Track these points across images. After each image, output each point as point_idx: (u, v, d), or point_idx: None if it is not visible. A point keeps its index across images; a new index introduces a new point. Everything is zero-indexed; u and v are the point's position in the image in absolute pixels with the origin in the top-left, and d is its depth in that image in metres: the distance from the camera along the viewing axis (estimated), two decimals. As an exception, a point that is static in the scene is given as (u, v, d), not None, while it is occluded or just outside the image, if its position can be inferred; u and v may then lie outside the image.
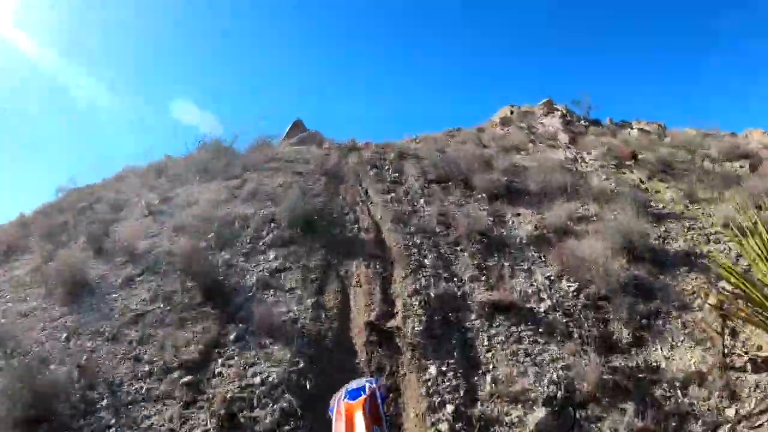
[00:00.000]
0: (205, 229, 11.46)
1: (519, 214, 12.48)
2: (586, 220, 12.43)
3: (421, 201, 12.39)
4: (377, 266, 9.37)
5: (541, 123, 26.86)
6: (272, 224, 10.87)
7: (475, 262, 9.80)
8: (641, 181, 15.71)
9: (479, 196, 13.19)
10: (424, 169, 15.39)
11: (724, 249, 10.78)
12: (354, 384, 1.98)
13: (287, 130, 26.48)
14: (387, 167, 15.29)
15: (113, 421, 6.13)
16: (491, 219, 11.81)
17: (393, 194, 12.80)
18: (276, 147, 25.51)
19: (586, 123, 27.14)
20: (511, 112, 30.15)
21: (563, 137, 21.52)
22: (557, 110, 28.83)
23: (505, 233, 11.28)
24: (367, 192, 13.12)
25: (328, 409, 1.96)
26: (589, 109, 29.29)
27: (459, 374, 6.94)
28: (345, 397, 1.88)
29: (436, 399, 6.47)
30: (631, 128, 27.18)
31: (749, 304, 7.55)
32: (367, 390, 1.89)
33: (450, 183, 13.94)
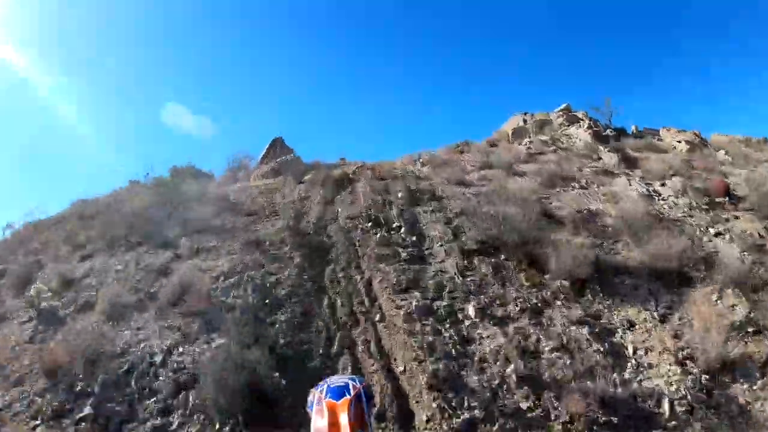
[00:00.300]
0: (85, 380, 5.70)
1: (633, 325, 6.86)
2: (745, 335, 6.87)
3: (470, 310, 6.57)
4: None
5: (566, 135, 21.21)
6: (190, 399, 5.09)
7: None
8: (760, 236, 10.20)
9: (557, 284, 7.51)
10: (452, 222, 9.59)
11: None
12: (335, 380, 1.65)
13: (265, 149, 20.51)
14: (395, 222, 9.42)
15: None
16: (600, 349, 6.12)
17: (417, 293, 6.90)
18: (251, 170, 19.83)
19: (613, 132, 21.58)
20: (524, 122, 24.44)
21: (610, 157, 15.88)
22: (580, 119, 23.25)
23: (635, 386, 5.64)
24: (370, 284, 7.27)
25: (306, 405, 1.63)
26: (611, 116, 23.77)
27: None
28: (327, 395, 1.58)
29: None
30: (661, 138, 21.82)
31: None
32: (351, 390, 1.58)
33: (502, 256, 8.21)
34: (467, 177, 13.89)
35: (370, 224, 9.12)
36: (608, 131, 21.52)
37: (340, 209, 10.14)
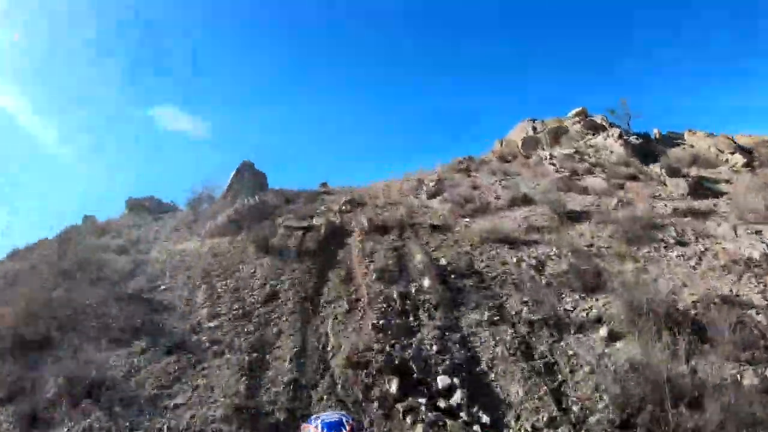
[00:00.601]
0: None
1: None
2: None
3: None
4: None
5: (591, 146, 16.95)
6: None
7: None
8: None
9: None
10: (534, 351, 5.07)
11: None
12: (328, 416, 1.57)
13: (231, 176, 15.70)
14: (438, 370, 4.69)
15: None
16: None
17: None
18: (216, 201, 15.15)
19: (639, 140, 17.40)
20: (534, 129, 20.11)
21: (676, 184, 11.57)
22: (601, 125, 19.05)
23: None
24: None
25: None
26: (629, 119, 19.63)
27: None
28: (323, 430, 1.51)
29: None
30: (691, 144, 17.78)
31: None
32: (346, 426, 1.53)
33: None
34: (504, 222, 9.42)
35: (394, 384, 4.49)
36: (632, 138, 17.35)
37: (331, 334, 5.46)
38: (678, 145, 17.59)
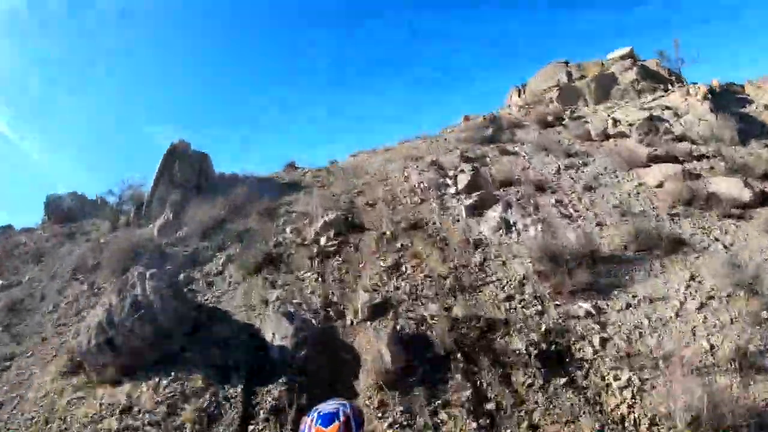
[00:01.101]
0: None
1: None
2: None
3: None
4: None
5: (667, 107, 11.65)
6: None
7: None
8: None
9: None
10: None
11: None
12: (326, 407, 1.40)
13: (160, 163, 9.51)
14: None
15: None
16: None
17: None
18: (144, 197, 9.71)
19: (706, 92, 12.13)
20: (569, 76, 14.33)
21: None
22: (657, 73, 13.61)
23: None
24: None
25: None
26: (681, 64, 14.18)
27: None
28: (317, 422, 1.35)
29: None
30: (752, 99, 12.95)
31: None
32: (341, 416, 1.36)
33: None
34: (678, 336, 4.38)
35: None
36: (700, 90, 12.13)
37: None
38: (747, 101, 12.54)
